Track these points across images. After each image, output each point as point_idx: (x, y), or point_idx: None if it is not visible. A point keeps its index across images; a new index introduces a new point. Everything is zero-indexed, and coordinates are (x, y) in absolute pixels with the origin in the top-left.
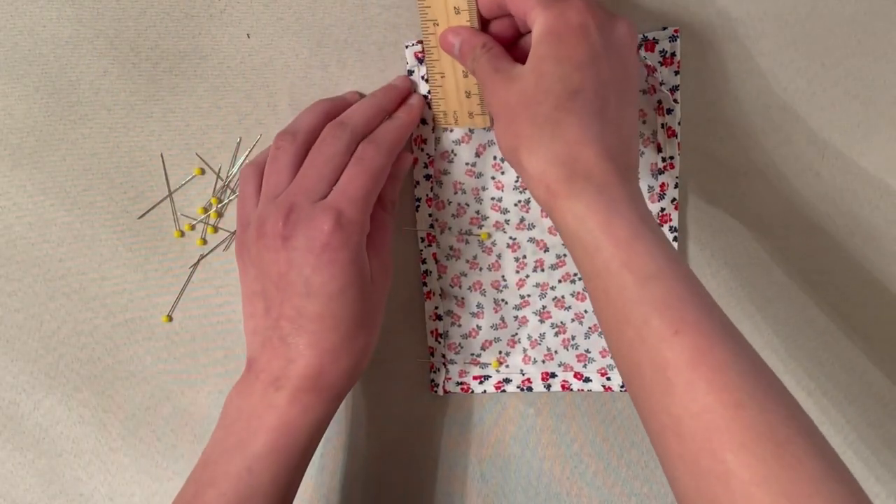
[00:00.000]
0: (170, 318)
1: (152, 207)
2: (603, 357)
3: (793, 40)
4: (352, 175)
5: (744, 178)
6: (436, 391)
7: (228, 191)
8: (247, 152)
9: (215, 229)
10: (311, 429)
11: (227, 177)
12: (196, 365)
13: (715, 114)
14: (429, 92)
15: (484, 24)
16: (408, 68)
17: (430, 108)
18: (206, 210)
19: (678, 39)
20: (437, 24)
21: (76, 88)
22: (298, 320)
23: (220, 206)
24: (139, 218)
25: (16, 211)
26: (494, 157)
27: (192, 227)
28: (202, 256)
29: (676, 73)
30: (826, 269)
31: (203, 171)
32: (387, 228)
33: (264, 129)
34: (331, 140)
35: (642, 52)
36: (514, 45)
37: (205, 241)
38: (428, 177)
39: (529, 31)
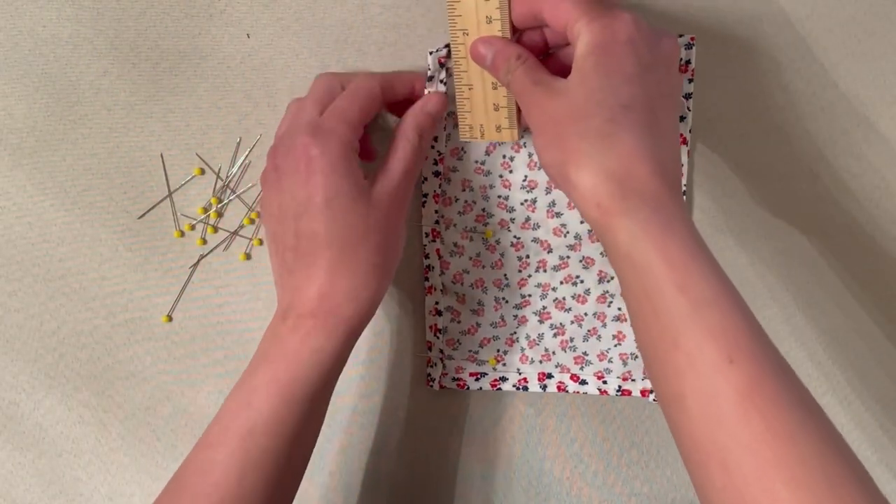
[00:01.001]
0: (170, 319)
1: (152, 207)
2: (600, 360)
3: (793, 40)
4: (337, 100)
5: (743, 178)
6: (431, 385)
7: (228, 191)
8: (247, 152)
9: (215, 229)
10: (314, 359)
11: (227, 177)
12: (196, 365)
13: (715, 114)
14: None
15: (515, 35)
16: (429, 73)
17: (449, 117)
18: (206, 210)
19: (693, 47)
20: (467, 34)
21: (76, 88)
22: (297, 246)
23: (219, 206)
24: (139, 218)
25: (16, 211)
26: (504, 156)
27: (192, 227)
28: (202, 256)
29: (690, 80)
30: (826, 269)
31: (203, 171)
32: (405, 157)
33: (264, 129)
34: (325, 79)
35: None
36: (546, 57)
37: (205, 241)
38: (437, 173)
39: (564, 44)
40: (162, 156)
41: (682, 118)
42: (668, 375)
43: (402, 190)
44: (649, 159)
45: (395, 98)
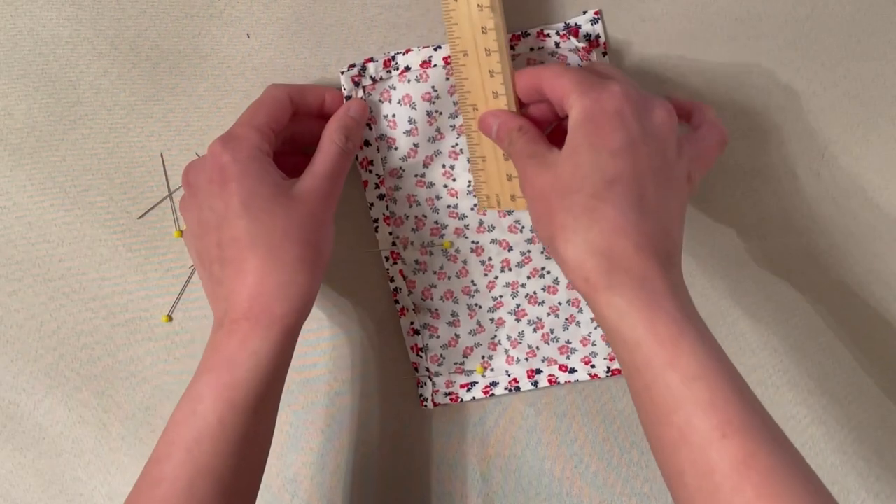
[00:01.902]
0: (170, 319)
1: (152, 207)
2: (584, 346)
3: (793, 40)
4: (244, 111)
5: (743, 178)
6: (425, 405)
7: None
8: None
9: None
10: (252, 361)
11: None
12: (196, 365)
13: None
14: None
15: (522, 108)
16: (345, 94)
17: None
18: None
19: (599, 21)
20: (477, 109)
21: (76, 88)
22: (222, 255)
23: None
24: (139, 218)
25: (16, 211)
26: (443, 165)
27: None
28: None
29: (604, 54)
30: (826, 269)
31: None
32: (330, 156)
33: None
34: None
35: (571, 40)
36: (554, 129)
37: None
38: (381, 196)
39: (567, 116)
40: (162, 156)
41: None
42: (665, 449)
43: (328, 187)
44: (634, 234)
45: (307, 108)
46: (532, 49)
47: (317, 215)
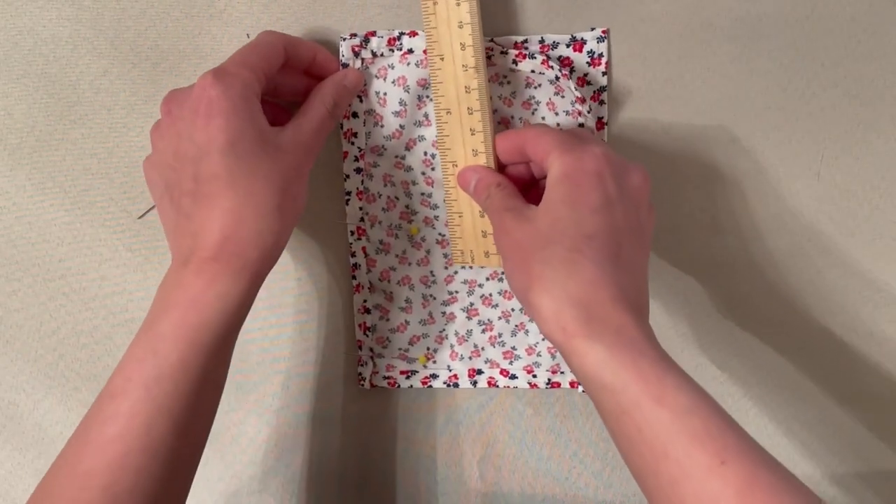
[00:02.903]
0: None
1: (152, 207)
2: (529, 354)
3: (793, 40)
4: (237, 50)
5: (743, 179)
6: (363, 384)
7: None
8: None
9: None
10: (220, 304)
11: None
12: None
13: (715, 114)
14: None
15: (501, 168)
16: (342, 61)
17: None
18: None
19: (606, 40)
20: (456, 166)
21: (76, 88)
22: (196, 189)
23: None
24: (139, 218)
25: (16, 211)
26: (425, 153)
27: None
28: None
29: (604, 73)
30: (826, 269)
31: None
32: (317, 115)
33: None
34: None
35: (570, 82)
36: (529, 190)
37: None
38: (359, 170)
39: (545, 177)
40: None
41: (600, 117)
42: (663, 486)
43: (311, 142)
44: (611, 287)
45: (297, 61)
46: (533, 71)
47: (297, 167)
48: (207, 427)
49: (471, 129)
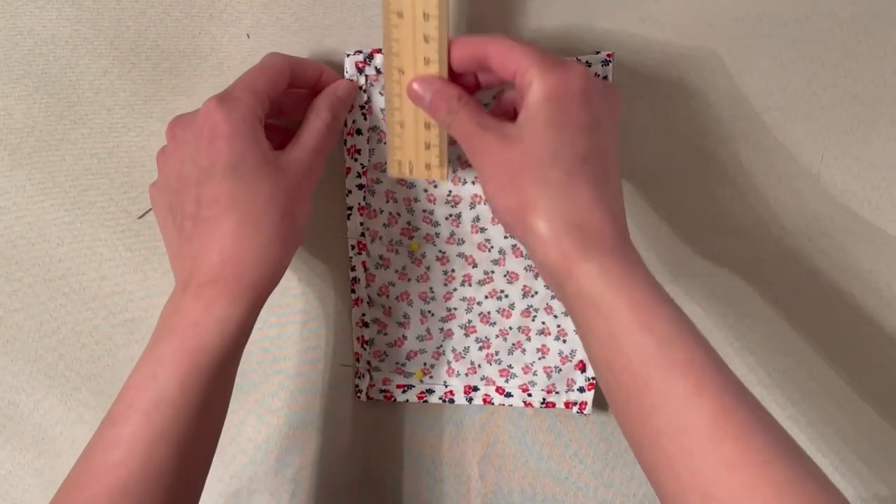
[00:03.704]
0: None
1: (152, 207)
2: (525, 373)
3: (793, 41)
4: (243, 74)
5: (743, 179)
6: (359, 396)
7: None
8: None
9: None
10: (219, 328)
11: None
12: None
13: (715, 114)
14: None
15: (451, 77)
16: (347, 77)
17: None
18: None
19: (611, 63)
20: (403, 73)
21: (76, 88)
22: (198, 212)
23: None
24: (139, 218)
25: (16, 211)
26: None
27: None
28: None
29: None
30: (826, 269)
31: None
32: (317, 131)
33: None
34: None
35: None
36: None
37: None
38: (361, 186)
39: (495, 87)
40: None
41: None
42: (640, 414)
43: (312, 161)
44: (605, 208)
45: (303, 81)
46: None
47: (299, 188)
48: (211, 449)
49: (424, 36)
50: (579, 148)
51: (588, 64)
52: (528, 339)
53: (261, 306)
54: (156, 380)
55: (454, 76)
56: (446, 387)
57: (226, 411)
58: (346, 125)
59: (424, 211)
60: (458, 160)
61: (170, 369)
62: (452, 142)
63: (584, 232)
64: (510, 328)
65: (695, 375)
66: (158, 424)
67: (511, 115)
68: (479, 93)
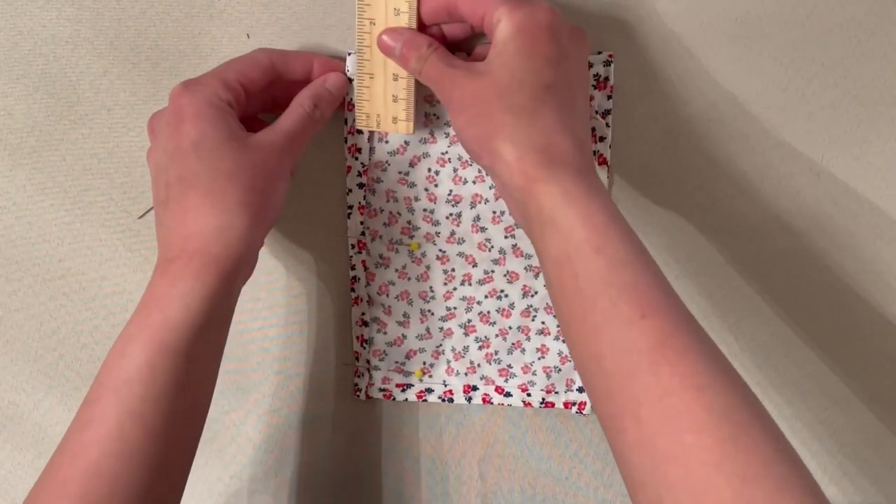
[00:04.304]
0: None
1: (152, 207)
2: (524, 373)
3: (793, 41)
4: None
5: (743, 179)
6: (358, 396)
7: None
8: None
9: None
10: (182, 302)
11: None
12: None
13: (716, 114)
14: (351, 96)
15: (420, 29)
16: (349, 75)
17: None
18: None
19: (612, 64)
20: (374, 24)
21: (76, 88)
22: (167, 196)
23: None
24: (139, 218)
25: (16, 211)
26: (429, 169)
27: None
28: None
29: (609, 97)
30: (826, 270)
31: None
32: (295, 118)
33: None
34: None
35: None
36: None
37: None
38: (361, 185)
39: (463, 39)
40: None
41: (603, 139)
42: (586, 335)
43: (286, 143)
44: (570, 134)
45: (292, 74)
46: None
47: (268, 164)
48: (192, 433)
49: None
50: (546, 77)
51: (590, 65)
52: (528, 338)
53: (233, 286)
54: (124, 357)
55: (422, 28)
56: (445, 386)
57: (207, 395)
58: (345, 123)
59: (425, 210)
60: (458, 159)
61: (137, 346)
62: (431, 100)
63: (547, 154)
64: (510, 328)
65: (639, 298)
66: (128, 403)
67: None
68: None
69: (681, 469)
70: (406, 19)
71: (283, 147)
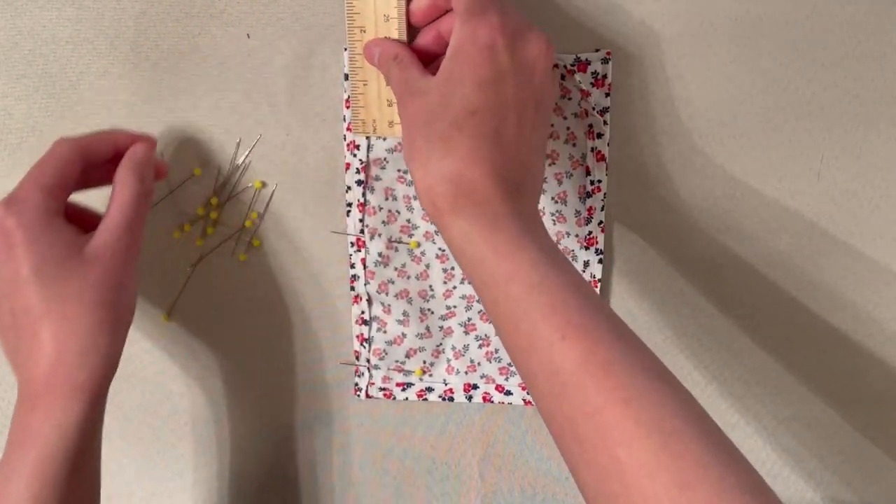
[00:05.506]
0: (169, 318)
1: (152, 207)
2: None
3: (793, 41)
4: (30, 169)
5: (743, 179)
6: (358, 395)
7: (228, 191)
8: (246, 152)
9: (215, 229)
10: (57, 435)
11: (227, 177)
12: (195, 365)
13: (716, 114)
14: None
15: (413, 33)
16: (345, 72)
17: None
18: (205, 210)
19: (610, 62)
20: (365, 32)
21: (76, 88)
22: (15, 323)
23: (219, 206)
24: None
25: None
26: None
27: (192, 227)
28: (202, 256)
29: (607, 94)
30: (826, 269)
31: (202, 171)
32: (125, 202)
33: (264, 129)
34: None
35: (577, 76)
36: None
37: (204, 241)
38: (360, 182)
39: None
40: (162, 155)
41: (600, 135)
42: (520, 358)
43: (125, 239)
44: (484, 163)
45: (100, 157)
46: None
47: (114, 273)
48: None
49: None
50: (470, 102)
51: (588, 62)
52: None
53: (101, 400)
54: (8, 497)
55: (415, 32)
56: (446, 385)
57: (96, 498)
58: (344, 121)
59: (424, 208)
60: None
61: (20, 484)
62: None
63: (455, 185)
64: None
65: (557, 319)
66: None
67: None
68: None
69: (618, 484)
70: (395, 25)
71: (124, 244)
